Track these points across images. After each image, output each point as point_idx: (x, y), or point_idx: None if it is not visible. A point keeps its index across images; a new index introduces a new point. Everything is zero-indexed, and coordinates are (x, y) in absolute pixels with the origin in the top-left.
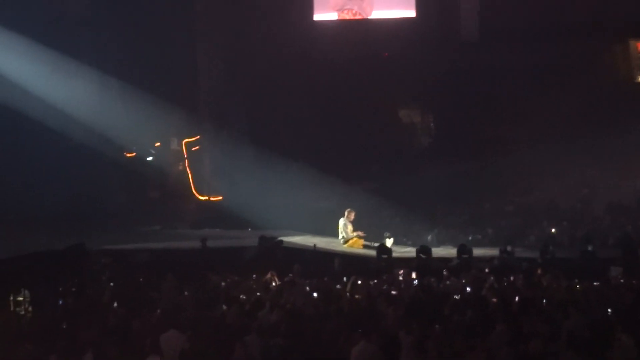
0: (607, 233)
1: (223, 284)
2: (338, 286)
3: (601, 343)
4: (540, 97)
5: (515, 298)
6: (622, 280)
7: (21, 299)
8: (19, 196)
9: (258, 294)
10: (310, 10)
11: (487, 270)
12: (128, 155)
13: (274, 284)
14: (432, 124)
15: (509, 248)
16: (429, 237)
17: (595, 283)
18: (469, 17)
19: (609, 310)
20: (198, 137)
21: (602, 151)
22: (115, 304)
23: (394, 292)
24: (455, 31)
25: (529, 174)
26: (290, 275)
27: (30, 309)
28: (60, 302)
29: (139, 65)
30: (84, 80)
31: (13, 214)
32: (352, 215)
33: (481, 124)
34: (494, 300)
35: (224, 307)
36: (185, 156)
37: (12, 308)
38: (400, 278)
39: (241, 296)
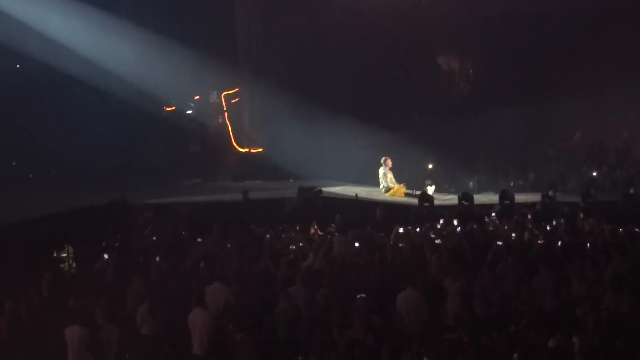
0: None
1: (267, 236)
2: (381, 235)
3: None
4: (582, 42)
5: (558, 243)
6: None
7: (65, 255)
8: (61, 153)
9: (301, 244)
10: None
11: (529, 215)
12: (168, 109)
13: (316, 235)
14: (470, 71)
15: (550, 193)
16: (471, 184)
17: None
18: None
19: None
20: (237, 89)
21: None
22: (158, 258)
23: (437, 241)
24: None
25: (570, 119)
26: (333, 225)
27: (74, 265)
28: (105, 257)
29: (178, 19)
30: (123, 36)
31: (56, 171)
32: (390, 162)
33: (521, 70)
34: (538, 244)
35: (268, 259)
36: (225, 109)
37: (56, 265)
38: (442, 226)
39: (286, 247)
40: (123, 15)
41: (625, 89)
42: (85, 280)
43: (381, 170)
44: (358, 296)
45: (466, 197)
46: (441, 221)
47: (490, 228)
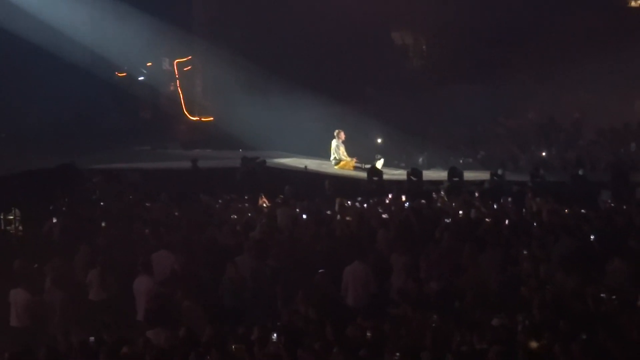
0: (598, 157)
1: (216, 206)
2: (329, 212)
3: (593, 266)
4: (537, 21)
5: (505, 221)
6: (612, 205)
7: (12, 217)
8: (11, 115)
9: (249, 215)
10: None
11: (477, 193)
12: (120, 75)
13: (264, 205)
14: (424, 47)
15: (500, 171)
16: (420, 160)
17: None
18: None
19: (599, 234)
20: (190, 57)
21: (596, 76)
22: (104, 224)
23: (384, 215)
24: None
25: (523, 98)
26: (281, 196)
27: (20, 227)
28: (53, 221)
29: None
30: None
31: (4, 133)
32: (342, 135)
33: (475, 47)
34: (486, 222)
35: (215, 228)
36: (177, 76)
37: (2, 227)
38: (390, 201)
39: (232, 216)
40: None
41: (578, 69)
42: (32, 243)
43: (334, 142)
44: (319, 271)
45: (415, 172)
46: (389, 196)
47: (439, 205)
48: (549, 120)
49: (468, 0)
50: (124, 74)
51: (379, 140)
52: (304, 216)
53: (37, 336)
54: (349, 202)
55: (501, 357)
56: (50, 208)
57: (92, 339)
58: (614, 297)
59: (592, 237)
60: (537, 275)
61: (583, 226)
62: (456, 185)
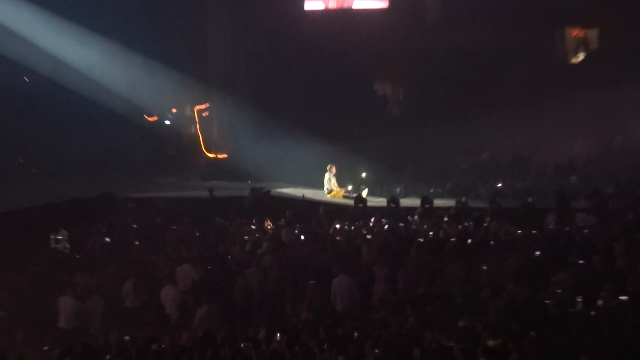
0: (545, 187)
1: (229, 228)
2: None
3: (539, 277)
4: (493, 73)
5: (468, 240)
6: (555, 227)
7: (60, 237)
8: (61, 151)
9: (257, 235)
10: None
11: (445, 217)
12: (150, 119)
13: (269, 227)
14: (401, 96)
15: (463, 199)
16: (398, 190)
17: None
18: (432, 5)
19: (545, 251)
20: (207, 104)
21: (543, 120)
22: (137, 242)
23: (368, 236)
24: (420, 17)
25: (482, 137)
26: (283, 219)
27: (67, 245)
28: (94, 240)
29: (160, 44)
30: (116, 56)
31: (55, 166)
32: (334, 169)
33: (443, 96)
34: (451, 241)
35: (227, 245)
36: (197, 120)
37: (52, 245)
38: (373, 223)
39: (242, 237)
40: (115, 39)
41: (528, 113)
42: (77, 258)
43: (327, 175)
44: (310, 282)
45: (394, 200)
46: (372, 219)
47: (413, 227)
48: (503, 157)
49: (436, 58)
50: (154, 118)
51: (364, 174)
52: (302, 236)
53: (81, 336)
54: (338, 225)
55: (464, 353)
56: (92, 229)
57: (127, 338)
58: (557, 302)
59: (538, 253)
60: (493, 285)
61: (531, 244)
62: (427, 210)
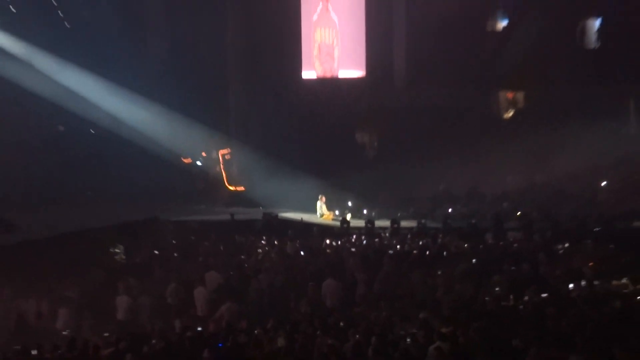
0: (485, 212)
1: (266, 244)
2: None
3: (481, 280)
4: (445, 125)
5: (426, 252)
6: (492, 242)
7: (118, 251)
8: (118, 185)
9: (267, 249)
10: (300, 69)
11: (409, 235)
12: (185, 160)
13: (276, 242)
14: (375, 143)
15: (423, 221)
16: (373, 213)
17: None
18: (399, 73)
19: (484, 260)
20: (229, 149)
21: (483, 160)
22: (175, 254)
23: (352, 249)
24: (390, 82)
25: (438, 174)
26: (286, 236)
27: (123, 257)
28: (139, 257)
29: (192, 104)
30: (158, 113)
31: (113, 196)
32: (324, 198)
33: (407, 142)
34: (414, 253)
35: (244, 256)
36: (221, 161)
37: (114, 256)
38: (355, 239)
39: (255, 249)
40: (158, 101)
41: (470, 155)
42: (131, 267)
43: (318, 203)
44: (310, 284)
45: (370, 221)
46: (354, 236)
47: (385, 242)
48: (454, 188)
49: (403, 114)
50: (188, 160)
51: (349, 202)
52: (301, 250)
53: (134, 326)
54: (327, 241)
55: (424, 338)
56: (142, 244)
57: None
58: (494, 299)
59: (479, 261)
60: (446, 286)
61: (475, 255)
62: (396, 229)
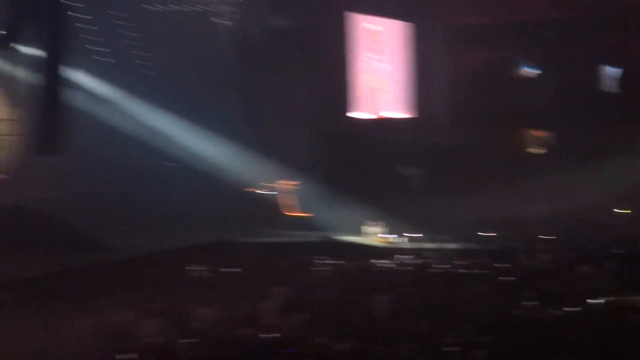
0: (517, 235)
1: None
2: None
3: (514, 295)
4: (478, 161)
5: (465, 270)
6: (523, 262)
7: (195, 268)
8: (199, 212)
9: (327, 266)
10: (353, 109)
11: (451, 255)
12: (252, 190)
13: (334, 261)
14: (419, 175)
15: (462, 243)
16: (419, 237)
17: None
18: (439, 115)
19: None
20: (294, 181)
21: (517, 190)
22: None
23: (400, 268)
24: (430, 122)
25: (474, 203)
26: (343, 256)
27: (200, 274)
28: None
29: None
30: (234, 151)
31: (194, 220)
32: (376, 223)
33: (446, 174)
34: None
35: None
36: (287, 191)
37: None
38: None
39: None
40: (233, 137)
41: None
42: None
43: (370, 228)
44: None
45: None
46: (402, 256)
47: (429, 261)
48: None
49: (441, 150)
50: (255, 189)
51: (398, 227)
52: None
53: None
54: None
55: (464, 347)
56: (218, 263)
57: None
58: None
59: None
60: (483, 300)
61: (508, 273)
62: (439, 251)
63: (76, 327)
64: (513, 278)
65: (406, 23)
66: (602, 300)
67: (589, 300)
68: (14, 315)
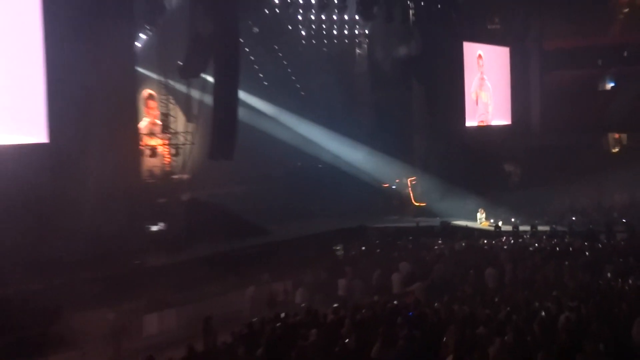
0: (600, 219)
1: (441, 244)
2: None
3: (597, 268)
4: (568, 160)
5: (556, 248)
6: (605, 241)
7: (338, 248)
8: (336, 204)
9: (442, 246)
10: (464, 120)
11: (544, 236)
12: (384, 185)
13: (448, 242)
14: (519, 172)
15: (554, 226)
16: (518, 221)
17: None
18: (535, 120)
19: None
20: (415, 177)
21: (600, 182)
22: (378, 250)
23: (504, 247)
24: (527, 127)
25: (564, 194)
26: (456, 238)
27: (342, 252)
28: (353, 252)
29: (390, 145)
30: (366, 152)
31: (333, 210)
32: (483, 211)
33: (541, 171)
34: (547, 249)
35: (426, 251)
36: (409, 185)
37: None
38: (504, 240)
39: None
40: (367, 144)
41: (586, 182)
42: (347, 259)
43: (478, 214)
44: (470, 271)
45: (516, 227)
46: (504, 238)
47: (526, 241)
48: (578, 204)
49: (536, 152)
50: (387, 185)
51: (501, 214)
52: (467, 249)
53: (350, 300)
54: (485, 241)
55: (556, 310)
56: (355, 244)
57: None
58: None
59: (592, 254)
60: (571, 272)
61: (592, 250)
62: (534, 232)
63: (246, 294)
64: (596, 255)
65: (507, 48)
66: None
67: None
68: (204, 284)
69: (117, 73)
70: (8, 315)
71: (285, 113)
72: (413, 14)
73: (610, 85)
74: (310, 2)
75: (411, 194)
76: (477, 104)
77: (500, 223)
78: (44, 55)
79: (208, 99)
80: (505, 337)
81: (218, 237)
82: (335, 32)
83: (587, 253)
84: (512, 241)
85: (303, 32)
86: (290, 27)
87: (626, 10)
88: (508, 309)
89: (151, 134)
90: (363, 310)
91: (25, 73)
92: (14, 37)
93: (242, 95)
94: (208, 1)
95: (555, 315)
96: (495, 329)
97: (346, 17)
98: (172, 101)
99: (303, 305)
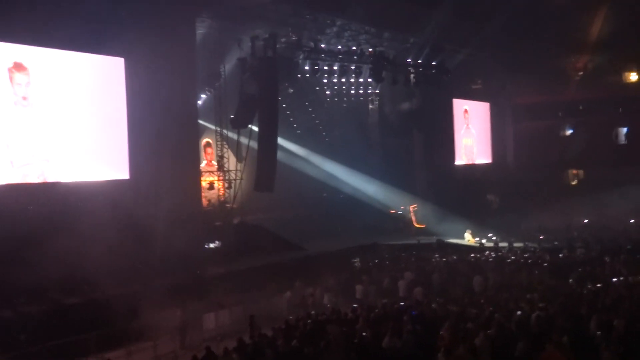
0: (562, 237)
1: (438, 257)
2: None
3: (561, 276)
4: (537, 191)
5: (528, 260)
6: (566, 254)
7: (356, 260)
8: (354, 225)
9: (437, 259)
10: (454, 159)
11: (518, 251)
12: (391, 211)
13: (442, 256)
14: (498, 200)
15: (526, 243)
16: (497, 239)
17: None
18: (510, 160)
19: None
20: (416, 204)
21: (561, 208)
22: (387, 262)
23: (488, 259)
24: (506, 165)
25: (534, 218)
26: (448, 252)
27: (359, 264)
28: (368, 264)
29: (396, 179)
30: (378, 185)
31: (351, 230)
32: (469, 231)
33: (516, 200)
34: (520, 261)
35: (424, 263)
36: (411, 211)
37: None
38: (487, 253)
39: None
40: (377, 177)
41: (551, 208)
42: (363, 269)
43: (466, 234)
44: (460, 278)
45: (496, 243)
46: (487, 252)
47: (505, 255)
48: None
49: (514, 184)
50: (394, 210)
51: (484, 233)
52: (458, 261)
53: (367, 302)
54: (472, 254)
55: (529, 310)
56: (369, 257)
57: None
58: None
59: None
60: (540, 279)
61: (557, 262)
62: (510, 248)
63: (284, 297)
64: (560, 265)
65: (487, 103)
66: (620, 278)
67: (613, 279)
68: (250, 289)
69: (184, 124)
70: (98, 313)
71: (314, 155)
72: (413, 77)
73: (569, 131)
74: (334, 68)
75: (413, 218)
76: (463, 147)
77: (484, 240)
78: (127, 110)
79: (253, 144)
80: (489, 331)
81: (261, 252)
82: (352, 91)
83: (553, 264)
84: (494, 255)
85: (328, 92)
86: (317, 88)
87: (581, 73)
88: (491, 308)
89: (209, 171)
90: (376, 310)
91: (112, 124)
92: (106, 98)
93: (280, 141)
94: (254, 68)
95: (528, 314)
96: (481, 324)
97: (361, 80)
98: (225, 146)
99: (329, 305)
